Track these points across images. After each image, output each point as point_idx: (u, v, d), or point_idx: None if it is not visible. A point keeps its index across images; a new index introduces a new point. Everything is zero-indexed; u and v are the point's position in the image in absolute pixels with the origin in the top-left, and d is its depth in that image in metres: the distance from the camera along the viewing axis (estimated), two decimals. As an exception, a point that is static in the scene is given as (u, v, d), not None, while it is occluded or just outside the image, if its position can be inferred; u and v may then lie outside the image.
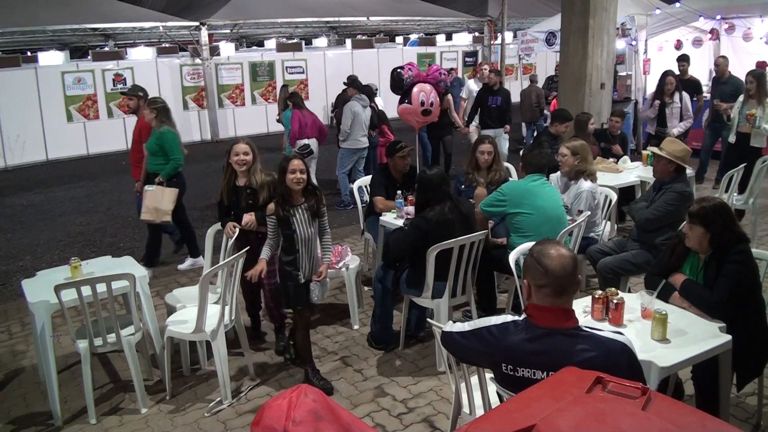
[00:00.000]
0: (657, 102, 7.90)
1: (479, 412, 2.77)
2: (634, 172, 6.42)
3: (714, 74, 9.03)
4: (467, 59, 19.33)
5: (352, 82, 9.10)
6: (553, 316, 2.10)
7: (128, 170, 10.95)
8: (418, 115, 6.56)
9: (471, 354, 2.32)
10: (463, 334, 2.28)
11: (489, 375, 2.67)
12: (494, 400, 2.63)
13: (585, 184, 4.90)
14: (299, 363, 4.20)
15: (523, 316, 2.19)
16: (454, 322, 2.42)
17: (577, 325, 2.12)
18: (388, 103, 10.57)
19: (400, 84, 6.59)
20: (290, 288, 3.86)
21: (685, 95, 7.85)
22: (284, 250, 3.88)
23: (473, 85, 9.71)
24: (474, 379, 2.80)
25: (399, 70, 6.67)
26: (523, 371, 2.10)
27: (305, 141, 7.97)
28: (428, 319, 3.21)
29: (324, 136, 8.30)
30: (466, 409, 2.89)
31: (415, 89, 6.50)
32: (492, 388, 2.64)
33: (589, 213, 4.72)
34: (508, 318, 2.21)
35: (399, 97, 6.78)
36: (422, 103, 6.50)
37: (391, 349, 4.44)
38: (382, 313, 4.44)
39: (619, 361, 1.99)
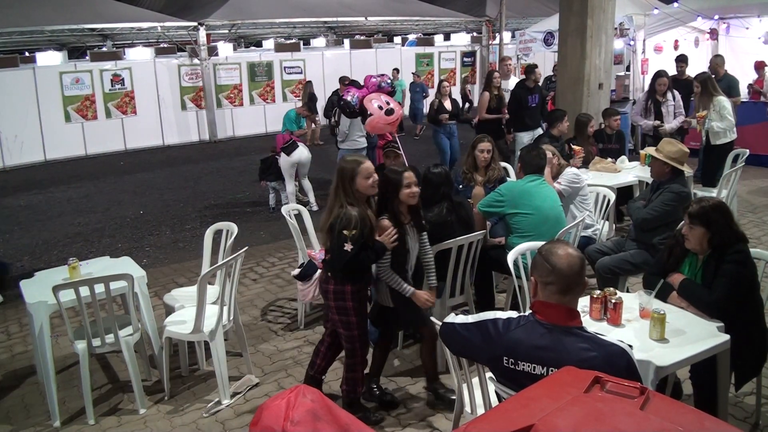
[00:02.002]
0: (651, 106, 7.84)
1: (480, 411, 2.76)
2: (632, 171, 6.41)
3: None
4: (465, 59, 19.35)
5: (352, 82, 9.09)
6: (558, 314, 2.13)
7: (127, 170, 10.90)
8: (385, 120, 6.60)
9: (470, 347, 2.31)
10: (465, 325, 2.28)
11: (489, 374, 2.67)
12: (494, 400, 2.63)
13: (569, 170, 5.09)
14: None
15: (529, 311, 2.21)
16: (456, 314, 2.42)
17: (581, 325, 2.14)
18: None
19: (353, 109, 6.64)
20: (413, 309, 3.55)
21: (677, 93, 7.81)
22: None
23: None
24: (475, 380, 2.79)
25: (344, 99, 6.74)
26: (523, 365, 2.11)
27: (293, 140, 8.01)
28: (431, 318, 3.18)
29: None
30: (468, 408, 2.88)
31: (366, 103, 6.56)
32: (492, 387, 2.64)
33: (569, 190, 4.94)
34: (513, 314, 2.23)
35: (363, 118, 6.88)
36: (380, 107, 6.55)
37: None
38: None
39: (618, 363, 2.00)
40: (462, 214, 4.16)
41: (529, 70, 8.49)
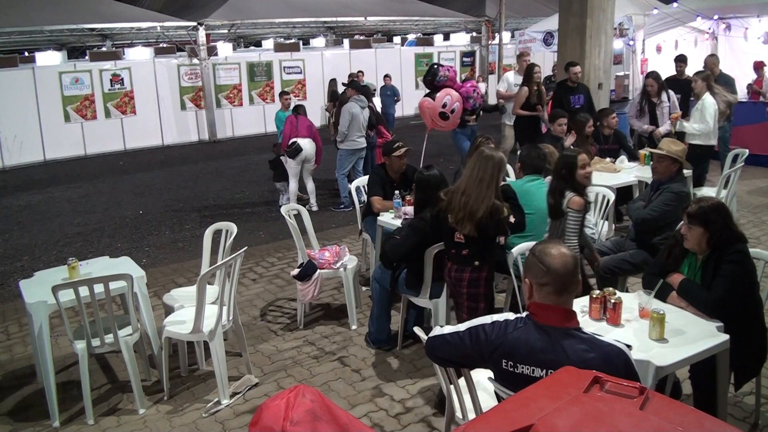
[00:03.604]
0: (646, 107, 7.68)
1: (471, 415, 2.75)
2: (631, 171, 6.41)
3: None
4: (464, 59, 19.35)
5: (351, 82, 9.10)
6: (555, 315, 2.12)
7: (127, 170, 10.91)
8: (434, 114, 6.49)
9: (465, 355, 2.28)
10: (457, 334, 2.26)
11: (476, 378, 2.65)
12: (484, 404, 2.61)
13: None
14: None
15: (525, 313, 2.20)
16: (441, 326, 2.39)
17: (578, 326, 2.13)
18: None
19: (434, 78, 6.55)
20: None
21: (672, 93, 7.64)
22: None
23: (512, 78, 8.86)
24: (462, 382, 2.76)
25: (438, 66, 6.67)
26: (522, 368, 2.11)
27: (297, 139, 7.96)
28: (414, 328, 3.03)
29: (318, 148, 8.19)
30: (458, 414, 2.86)
31: (443, 91, 6.45)
32: (480, 393, 2.63)
33: None
34: (510, 316, 2.22)
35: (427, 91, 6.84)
36: (444, 105, 6.37)
37: (388, 349, 4.44)
38: (379, 313, 4.43)
39: (616, 363, 2.00)
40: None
41: (567, 68, 7.84)
